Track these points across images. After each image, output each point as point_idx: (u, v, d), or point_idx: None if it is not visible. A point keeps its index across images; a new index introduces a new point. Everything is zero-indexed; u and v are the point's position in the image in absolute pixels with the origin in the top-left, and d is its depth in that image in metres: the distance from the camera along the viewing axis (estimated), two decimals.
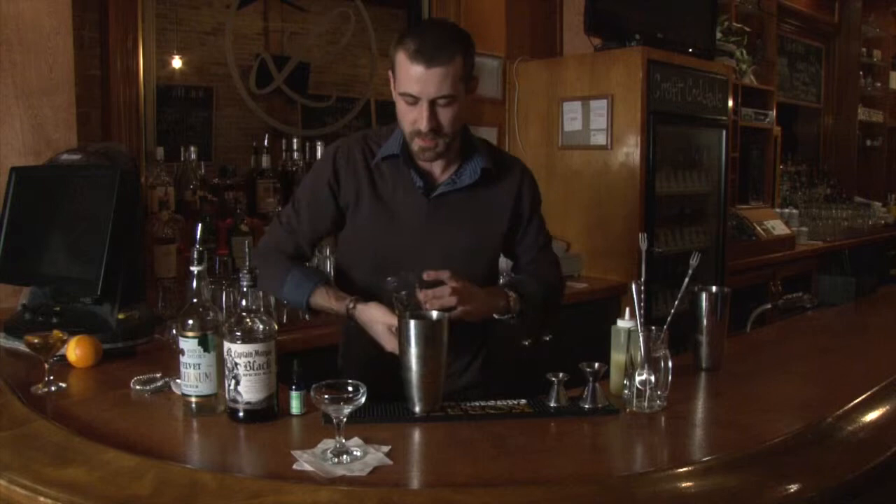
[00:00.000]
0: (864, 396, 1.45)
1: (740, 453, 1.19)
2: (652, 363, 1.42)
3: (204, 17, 2.84)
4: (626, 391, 1.45)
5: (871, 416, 1.40)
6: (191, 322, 1.36)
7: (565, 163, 3.52)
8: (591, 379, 1.42)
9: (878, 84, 6.62)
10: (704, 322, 1.70)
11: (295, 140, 2.95)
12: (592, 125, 3.39)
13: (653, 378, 1.42)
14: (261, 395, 1.33)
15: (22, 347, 1.64)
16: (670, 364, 1.44)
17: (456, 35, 1.58)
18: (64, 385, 1.54)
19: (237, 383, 1.32)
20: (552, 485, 1.13)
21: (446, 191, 1.68)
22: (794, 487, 1.11)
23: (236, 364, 1.31)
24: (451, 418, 1.40)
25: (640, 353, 1.43)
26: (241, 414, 1.33)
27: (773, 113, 4.89)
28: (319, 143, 2.92)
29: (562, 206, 3.53)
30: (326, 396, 1.21)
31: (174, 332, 1.64)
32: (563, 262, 3.27)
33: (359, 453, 1.18)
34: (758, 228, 4.33)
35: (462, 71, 1.54)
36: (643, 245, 1.60)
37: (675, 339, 1.50)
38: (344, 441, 1.20)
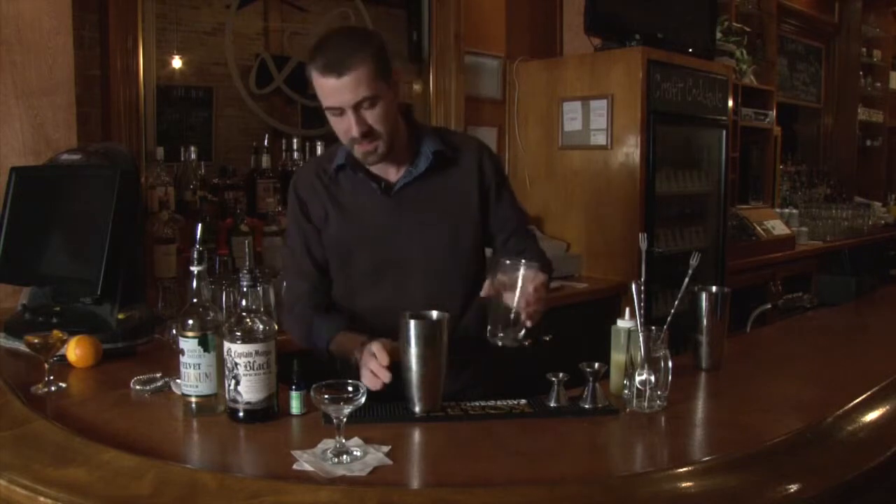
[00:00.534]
0: (864, 396, 1.45)
1: (740, 453, 1.19)
2: (652, 363, 1.42)
3: (204, 17, 2.84)
4: (626, 391, 1.45)
5: (871, 416, 1.40)
6: (191, 322, 1.36)
7: (565, 163, 3.52)
8: (591, 379, 1.42)
9: (878, 84, 6.62)
10: (704, 322, 1.70)
11: (295, 140, 2.95)
12: (592, 125, 3.39)
13: (653, 378, 1.42)
14: (261, 395, 1.33)
15: (22, 347, 1.64)
16: (670, 364, 1.44)
17: (359, 38, 1.58)
18: (64, 385, 1.54)
19: (237, 383, 1.32)
20: (552, 485, 1.13)
21: (405, 183, 1.68)
22: (794, 487, 1.11)
23: (236, 364, 1.31)
24: (451, 418, 1.40)
25: (640, 353, 1.43)
26: (241, 414, 1.33)
27: (773, 113, 4.88)
28: (319, 143, 2.92)
29: (562, 206, 3.53)
30: (326, 396, 1.21)
31: (174, 332, 1.64)
32: (563, 261, 3.32)
33: (359, 453, 1.18)
34: (758, 228, 4.32)
35: (375, 69, 1.53)
36: (643, 245, 1.60)
37: (675, 339, 1.50)
38: (344, 441, 1.20)
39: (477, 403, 1.46)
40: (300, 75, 3.08)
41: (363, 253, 1.71)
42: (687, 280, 1.59)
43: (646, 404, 1.42)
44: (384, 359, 1.45)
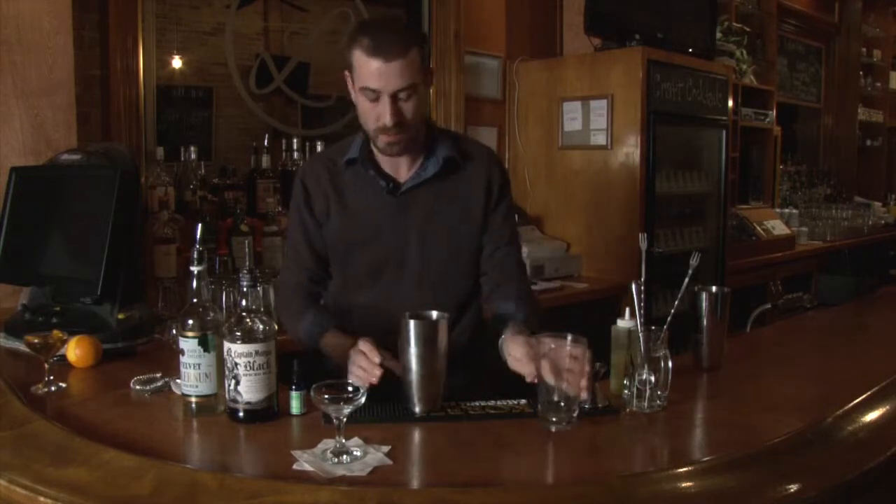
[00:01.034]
0: (864, 396, 1.45)
1: (740, 453, 1.19)
2: (652, 363, 1.42)
3: (204, 17, 2.84)
4: (626, 391, 1.45)
5: (871, 416, 1.40)
6: (191, 322, 1.36)
7: (565, 163, 3.52)
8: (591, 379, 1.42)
9: (878, 84, 6.62)
10: (704, 322, 1.70)
11: (295, 140, 2.95)
12: (592, 125, 3.39)
13: (653, 378, 1.42)
14: (261, 395, 1.33)
15: (22, 347, 1.64)
16: (670, 364, 1.44)
17: (408, 28, 1.62)
18: (64, 385, 1.54)
19: (237, 383, 1.32)
20: (552, 485, 1.13)
21: (412, 185, 1.68)
22: (794, 487, 1.11)
23: (236, 364, 1.31)
24: (451, 418, 1.40)
25: (640, 353, 1.43)
26: (241, 414, 1.33)
27: (773, 113, 4.88)
28: (319, 143, 2.92)
29: (562, 206, 3.53)
30: (326, 396, 1.21)
31: (174, 332, 1.64)
32: (563, 261, 3.32)
33: (359, 453, 1.18)
34: (758, 228, 4.32)
35: (419, 62, 1.54)
36: (643, 245, 1.60)
37: (675, 339, 1.50)
38: (344, 441, 1.20)
39: (477, 403, 1.47)
40: (300, 75, 3.11)
41: (362, 251, 1.71)
42: (687, 280, 1.59)
43: (646, 404, 1.42)
44: (375, 356, 1.44)
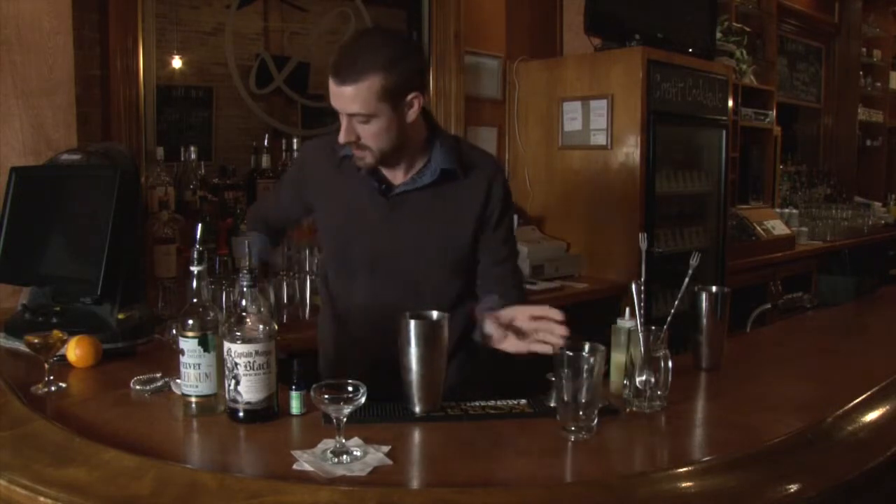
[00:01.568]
0: (864, 396, 1.45)
1: (740, 453, 1.19)
2: (652, 363, 1.42)
3: (204, 17, 2.84)
4: (626, 391, 1.45)
5: (871, 416, 1.40)
6: (191, 322, 1.36)
7: (565, 163, 3.52)
8: None
9: (878, 84, 6.62)
10: (704, 322, 1.70)
11: (295, 140, 2.95)
12: (592, 125, 3.39)
13: (653, 378, 1.42)
14: (261, 395, 1.33)
15: (22, 347, 1.64)
16: (670, 364, 1.44)
17: (378, 52, 1.49)
18: (64, 385, 1.54)
19: (237, 383, 1.31)
20: (552, 485, 1.13)
21: (406, 190, 1.67)
22: (794, 487, 1.11)
23: (236, 364, 1.31)
24: (451, 418, 1.40)
25: (640, 353, 1.43)
26: (241, 414, 1.33)
27: (773, 113, 4.89)
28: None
29: (562, 206, 3.53)
30: (326, 396, 1.21)
31: (174, 332, 1.64)
32: (563, 261, 3.32)
33: (359, 453, 1.18)
34: (758, 228, 4.32)
35: (380, 90, 1.48)
36: (643, 245, 1.60)
37: (675, 339, 1.50)
38: (344, 441, 1.20)
39: (477, 403, 1.46)
40: (300, 75, 3.11)
41: (351, 244, 1.71)
42: (687, 280, 1.59)
43: (646, 404, 1.42)
44: None
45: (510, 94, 3.70)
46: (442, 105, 3.40)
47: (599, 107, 3.35)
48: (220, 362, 1.35)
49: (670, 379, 1.44)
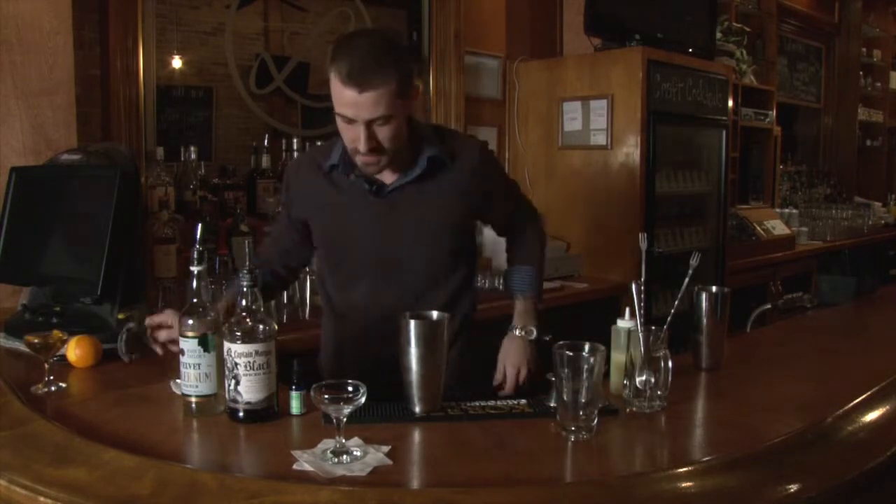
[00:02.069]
0: (864, 396, 1.45)
1: (740, 453, 1.19)
2: (652, 363, 1.42)
3: (204, 17, 2.84)
4: (626, 391, 1.45)
5: (871, 416, 1.40)
6: (191, 322, 1.36)
7: (565, 163, 3.52)
8: None
9: (878, 84, 6.62)
10: (704, 322, 1.70)
11: (295, 140, 2.95)
12: (592, 125, 3.39)
13: (653, 378, 1.42)
14: (261, 395, 1.33)
15: (22, 347, 1.64)
16: (670, 364, 1.44)
17: (388, 53, 1.50)
18: (64, 385, 1.54)
19: (237, 383, 1.32)
20: (552, 485, 1.13)
21: (399, 185, 1.67)
22: (794, 487, 1.11)
23: (236, 364, 1.31)
24: (451, 418, 1.40)
25: (640, 353, 1.43)
26: (241, 414, 1.33)
27: (773, 113, 4.88)
28: (319, 144, 2.92)
29: (562, 206, 3.53)
30: (326, 396, 1.21)
31: None
32: (563, 261, 3.32)
33: (359, 453, 1.18)
34: (758, 228, 4.32)
35: (397, 89, 1.49)
36: (643, 245, 1.60)
37: (675, 339, 1.50)
38: (344, 441, 1.20)
39: (477, 403, 1.46)
40: (300, 75, 3.11)
41: (349, 251, 1.71)
42: (687, 280, 1.59)
43: (646, 404, 1.42)
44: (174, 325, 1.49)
45: (510, 94, 3.70)
46: (442, 105, 3.40)
47: (599, 107, 3.35)
48: (220, 362, 1.35)
49: (670, 379, 1.44)
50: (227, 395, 1.34)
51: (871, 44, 6.51)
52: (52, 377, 1.53)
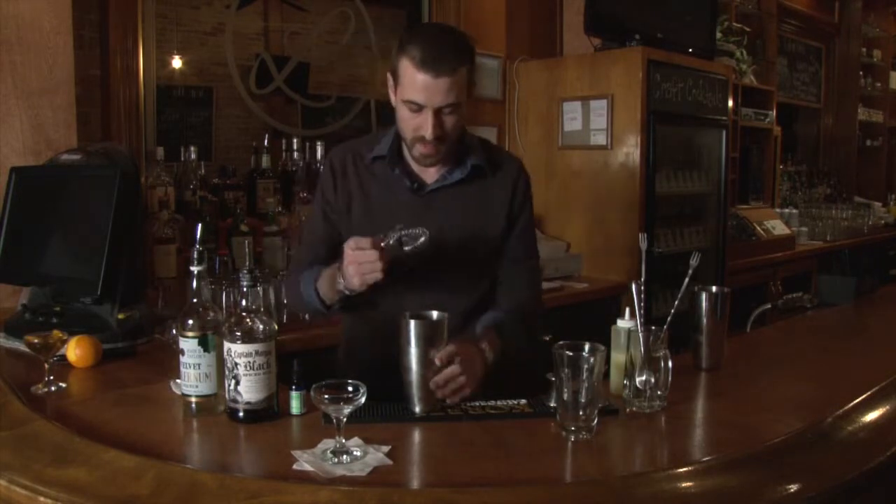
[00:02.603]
0: (864, 396, 1.45)
1: (740, 453, 1.19)
2: (652, 363, 1.42)
3: (204, 17, 2.84)
4: (626, 391, 1.45)
5: (871, 416, 1.40)
6: (191, 322, 1.36)
7: (565, 163, 3.52)
8: None
9: (878, 84, 6.62)
10: (704, 322, 1.70)
11: (295, 140, 2.95)
12: (592, 125, 3.39)
13: (653, 378, 1.42)
14: (261, 395, 1.33)
15: (22, 347, 1.64)
16: (670, 364, 1.44)
17: (461, 44, 1.57)
18: (64, 385, 1.54)
19: (237, 383, 1.32)
20: (552, 485, 1.13)
21: (439, 186, 1.68)
22: (794, 487, 1.11)
23: (236, 364, 1.31)
24: (451, 418, 1.40)
25: (640, 353, 1.43)
26: (241, 414, 1.33)
27: (773, 113, 4.89)
28: (319, 143, 2.92)
29: (562, 206, 3.53)
30: (326, 396, 1.21)
31: (174, 332, 1.64)
32: (563, 261, 3.32)
33: (359, 453, 1.18)
34: (758, 228, 4.32)
35: (466, 79, 1.55)
36: (643, 245, 1.60)
37: (675, 339, 1.50)
38: (344, 441, 1.20)
39: (477, 403, 1.46)
40: (300, 75, 3.11)
41: None
42: (687, 280, 1.59)
43: (646, 404, 1.42)
44: (371, 247, 1.43)
45: (510, 94, 3.71)
46: None
47: (599, 107, 3.35)
48: (220, 362, 1.35)
49: (670, 379, 1.44)
50: (227, 395, 1.34)
51: (871, 44, 6.51)
52: (52, 377, 1.53)
